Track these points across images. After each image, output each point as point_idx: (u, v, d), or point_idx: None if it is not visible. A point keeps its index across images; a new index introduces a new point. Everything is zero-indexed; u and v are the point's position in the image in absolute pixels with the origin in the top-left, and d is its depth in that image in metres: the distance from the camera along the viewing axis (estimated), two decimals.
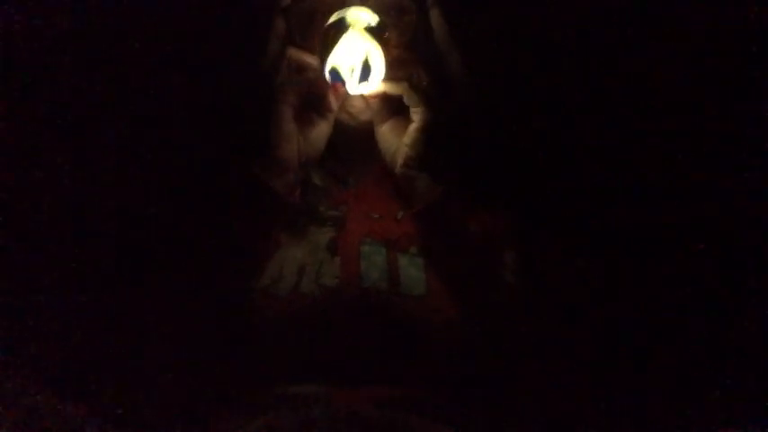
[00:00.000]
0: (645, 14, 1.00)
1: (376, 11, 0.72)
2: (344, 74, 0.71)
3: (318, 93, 0.73)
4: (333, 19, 0.71)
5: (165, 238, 0.86)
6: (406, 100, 0.74)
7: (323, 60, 0.71)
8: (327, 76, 0.72)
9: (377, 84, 0.72)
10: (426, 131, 0.74)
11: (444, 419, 0.75)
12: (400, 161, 0.75)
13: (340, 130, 0.78)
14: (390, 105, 0.76)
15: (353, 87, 0.72)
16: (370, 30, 0.70)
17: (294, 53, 0.75)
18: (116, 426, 0.79)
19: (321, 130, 0.74)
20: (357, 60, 0.70)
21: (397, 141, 0.75)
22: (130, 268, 0.90)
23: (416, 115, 0.74)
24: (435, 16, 0.80)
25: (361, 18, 0.70)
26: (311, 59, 0.74)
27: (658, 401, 0.86)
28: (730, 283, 0.92)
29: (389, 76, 0.72)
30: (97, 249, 0.93)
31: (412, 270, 0.76)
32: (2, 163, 0.92)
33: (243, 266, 0.76)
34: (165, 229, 0.88)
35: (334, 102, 0.73)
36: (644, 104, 1.00)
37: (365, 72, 0.71)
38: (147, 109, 0.99)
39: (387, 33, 0.71)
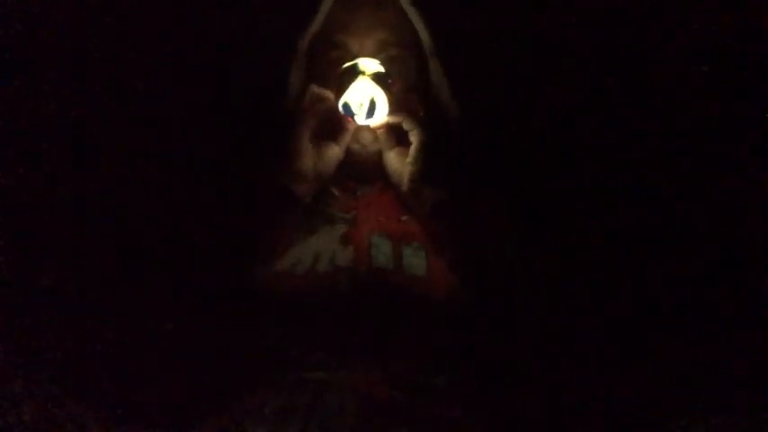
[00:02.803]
0: (645, 14, 1.00)
1: (382, 62, 0.88)
2: (354, 108, 0.87)
3: (333, 122, 0.88)
4: (347, 65, 0.87)
5: (169, 234, 0.90)
6: (404, 125, 0.88)
7: (337, 97, 0.87)
8: (341, 109, 0.87)
9: (381, 119, 0.88)
10: (424, 149, 0.87)
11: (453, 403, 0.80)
12: (407, 178, 0.88)
13: (353, 158, 0.92)
14: (395, 134, 0.90)
15: (361, 120, 0.88)
16: (377, 76, 0.86)
17: (315, 89, 0.88)
18: (117, 425, 0.79)
19: (334, 153, 0.89)
20: (365, 99, 0.86)
21: (402, 164, 0.89)
22: (131, 267, 0.90)
23: (414, 137, 0.87)
24: (433, 64, 0.95)
25: (369, 67, 0.87)
26: (328, 93, 0.88)
27: (658, 401, 0.86)
28: (730, 283, 0.92)
29: (392, 111, 0.87)
30: (97, 249, 0.93)
31: (414, 258, 0.88)
32: (2, 163, 0.92)
33: (255, 254, 0.87)
34: (169, 225, 0.91)
35: (345, 130, 0.89)
36: (644, 104, 1.00)
37: (371, 109, 0.87)
38: (148, 109, 1.00)
39: (390, 80, 0.87)
